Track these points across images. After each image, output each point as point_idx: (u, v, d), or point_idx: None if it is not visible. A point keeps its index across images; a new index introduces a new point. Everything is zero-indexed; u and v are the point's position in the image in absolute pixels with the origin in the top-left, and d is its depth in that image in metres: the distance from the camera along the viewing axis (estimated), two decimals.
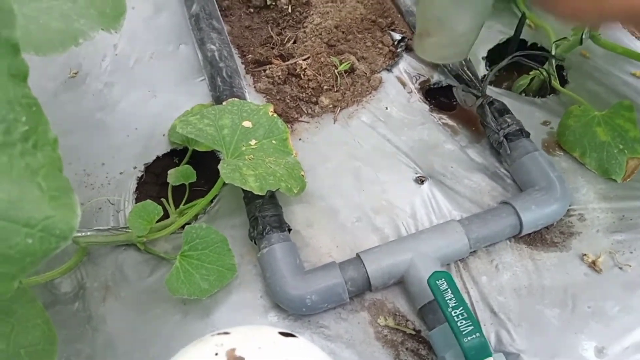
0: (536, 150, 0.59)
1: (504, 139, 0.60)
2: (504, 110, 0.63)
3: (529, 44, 0.74)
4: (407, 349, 0.50)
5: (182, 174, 0.59)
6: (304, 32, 0.73)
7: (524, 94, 0.70)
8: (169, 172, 0.59)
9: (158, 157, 0.64)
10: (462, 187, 0.61)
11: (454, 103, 0.69)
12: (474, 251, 0.55)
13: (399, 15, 0.77)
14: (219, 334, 0.35)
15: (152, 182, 0.63)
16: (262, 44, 0.75)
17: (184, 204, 0.58)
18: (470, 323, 0.43)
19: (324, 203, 0.60)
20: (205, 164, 0.62)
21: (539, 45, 0.74)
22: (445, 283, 0.45)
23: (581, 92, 0.66)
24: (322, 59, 0.69)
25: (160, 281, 0.54)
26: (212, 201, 0.58)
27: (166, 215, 0.56)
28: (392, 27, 0.76)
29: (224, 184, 0.51)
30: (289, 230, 0.56)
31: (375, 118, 0.67)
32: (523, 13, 0.66)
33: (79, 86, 0.71)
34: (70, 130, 0.66)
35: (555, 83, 0.67)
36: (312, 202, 0.60)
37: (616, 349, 0.49)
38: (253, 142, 0.55)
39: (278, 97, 0.68)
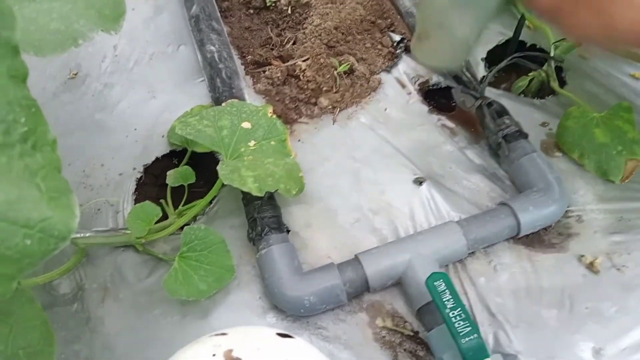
0: (534, 152, 0.59)
1: (503, 140, 0.60)
2: (502, 112, 0.63)
3: (528, 45, 0.74)
4: (405, 350, 0.50)
5: (181, 175, 0.59)
6: (304, 33, 0.73)
7: (522, 95, 0.70)
8: (168, 173, 0.59)
9: (157, 158, 0.64)
10: (460, 188, 0.61)
11: (453, 104, 0.69)
12: (472, 252, 0.55)
13: (399, 17, 0.77)
14: (217, 334, 0.35)
15: (151, 183, 0.63)
16: (261, 45, 0.75)
17: (183, 205, 0.58)
18: (468, 324, 0.43)
19: (323, 204, 0.60)
20: (205, 165, 0.62)
21: (538, 47, 0.74)
22: (443, 284, 0.45)
23: (580, 94, 0.66)
24: (322, 60, 0.69)
25: (158, 282, 0.54)
26: (211, 202, 0.58)
27: (165, 217, 0.56)
28: (391, 29, 0.76)
29: (223, 185, 0.51)
30: (288, 231, 0.56)
31: (374, 119, 0.67)
32: (522, 14, 0.66)
33: (78, 87, 0.71)
34: (69, 131, 0.66)
35: (554, 84, 0.67)
36: (310, 203, 0.60)
37: (613, 350, 0.49)
38: (252, 143, 0.55)
39: (277, 98, 0.68)
